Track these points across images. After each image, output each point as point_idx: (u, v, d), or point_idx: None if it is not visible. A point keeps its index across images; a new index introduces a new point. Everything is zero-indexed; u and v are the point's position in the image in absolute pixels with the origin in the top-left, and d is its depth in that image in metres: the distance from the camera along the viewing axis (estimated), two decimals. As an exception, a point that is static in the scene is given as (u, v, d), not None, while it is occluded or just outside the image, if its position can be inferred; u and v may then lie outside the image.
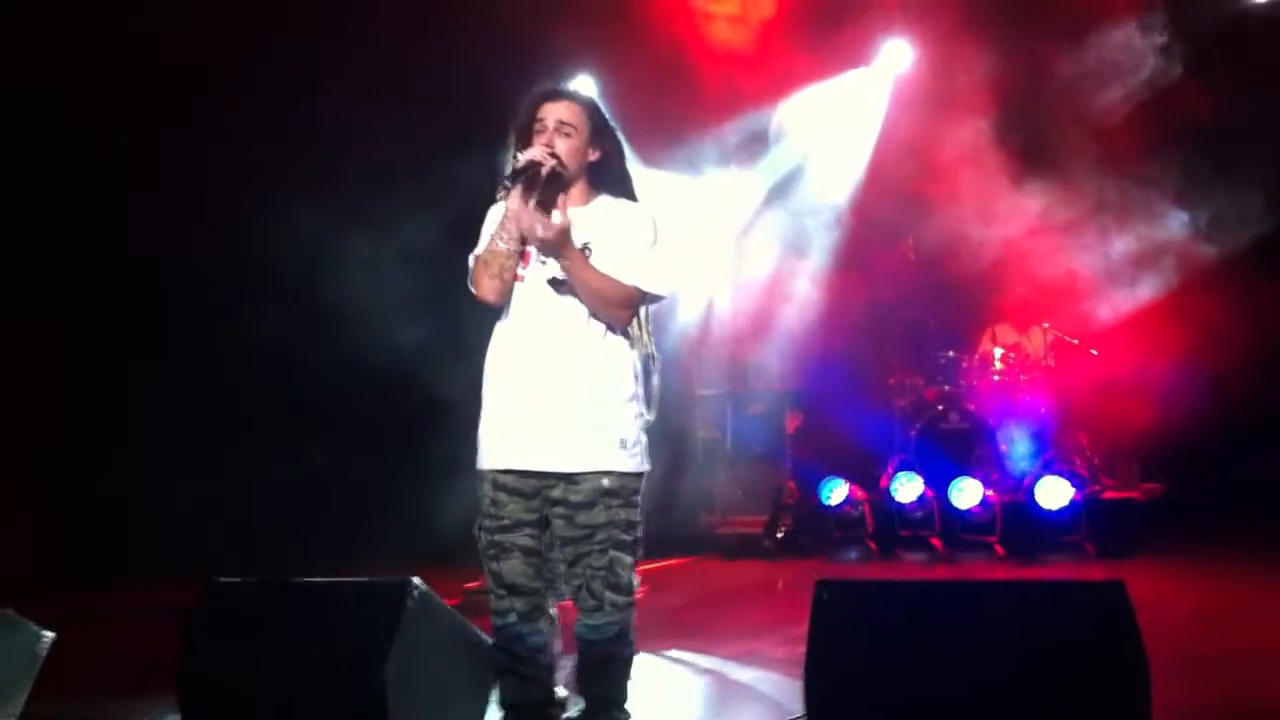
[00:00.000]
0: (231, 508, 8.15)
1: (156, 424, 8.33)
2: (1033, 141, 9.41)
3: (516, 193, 3.70)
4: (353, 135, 8.01)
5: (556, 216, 3.70)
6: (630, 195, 3.95)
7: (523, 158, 3.73)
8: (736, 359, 10.33)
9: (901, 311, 9.96)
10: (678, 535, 8.89)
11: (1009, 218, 9.37)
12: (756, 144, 10.30)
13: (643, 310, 3.91)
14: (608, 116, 3.97)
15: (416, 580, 3.64)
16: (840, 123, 10.27)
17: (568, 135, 3.82)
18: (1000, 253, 9.42)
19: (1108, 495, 9.06)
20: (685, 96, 9.57)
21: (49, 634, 4.15)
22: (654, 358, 3.93)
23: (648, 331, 3.95)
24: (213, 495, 7.98)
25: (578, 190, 3.87)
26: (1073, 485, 8.52)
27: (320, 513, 8.12)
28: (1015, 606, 3.26)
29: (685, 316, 9.68)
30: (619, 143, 3.96)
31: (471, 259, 3.89)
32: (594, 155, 3.88)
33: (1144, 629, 3.08)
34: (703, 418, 10.05)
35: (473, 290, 3.86)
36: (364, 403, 8.66)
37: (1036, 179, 9.37)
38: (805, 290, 10.06)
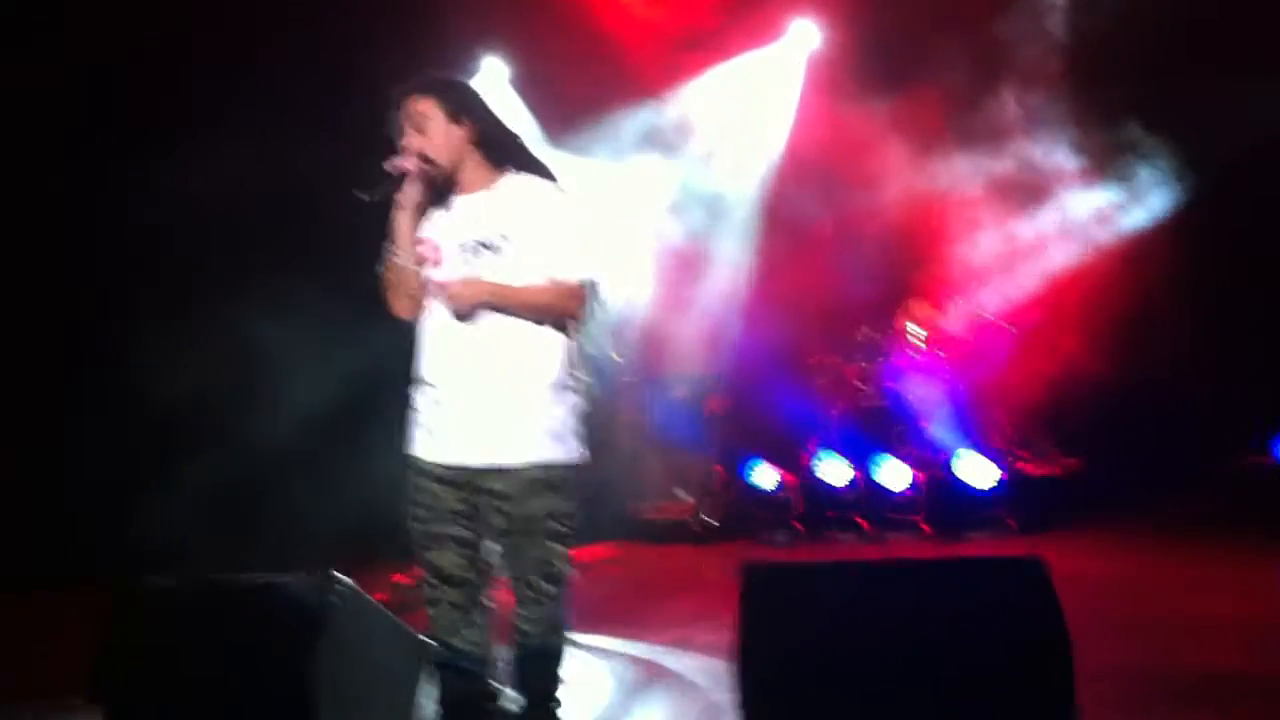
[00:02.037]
0: (158, 505, 7.99)
1: (86, 423, 8.13)
2: (948, 116, 9.49)
3: (395, 214, 3.67)
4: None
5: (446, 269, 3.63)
6: (530, 163, 3.82)
7: (387, 168, 3.67)
8: (656, 344, 10.32)
9: (819, 290, 10.01)
10: (604, 522, 8.86)
11: (925, 194, 9.46)
12: (669, 126, 10.28)
13: None
14: (461, 89, 3.83)
15: (340, 576, 3.57)
16: (754, 103, 10.30)
17: (422, 130, 3.71)
18: (917, 229, 9.52)
19: (1029, 471, 9.21)
20: (595, 81, 9.52)
21: None
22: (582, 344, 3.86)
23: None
24: (139, 493, 7.81)
25: (473, 173, 3.76)
26: (994, 462, 8.65)
27: (247, 511, 7.99)
28: (938, 584, 3.28)
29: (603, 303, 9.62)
30: (485, 109, 3.81)
31: (381, 272, 3.80)
32: (463, 131, 3.74)
33: (1067, 599, 3.13)
34: (625, 404, 10.03)
35: (390, 309, 3.79)
36: (294, 397, 8.52)
37: (952, 154, 9.47)
38: (723, 272, 10.08)
